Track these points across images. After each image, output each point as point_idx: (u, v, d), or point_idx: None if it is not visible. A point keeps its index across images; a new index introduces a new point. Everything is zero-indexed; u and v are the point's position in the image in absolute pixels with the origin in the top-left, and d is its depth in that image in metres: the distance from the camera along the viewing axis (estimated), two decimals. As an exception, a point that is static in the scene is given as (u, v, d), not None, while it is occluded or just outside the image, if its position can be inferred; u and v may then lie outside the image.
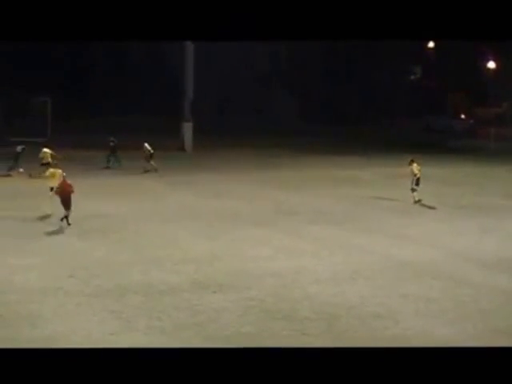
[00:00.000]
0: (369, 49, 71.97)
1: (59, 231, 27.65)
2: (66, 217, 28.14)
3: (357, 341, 16.74)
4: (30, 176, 38.97)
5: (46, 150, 40.70)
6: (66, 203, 28.09)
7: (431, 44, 74.49)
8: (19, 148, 42.16)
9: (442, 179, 41.38)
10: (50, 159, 39.28)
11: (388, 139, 62.81)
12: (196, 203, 33.81)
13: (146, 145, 44.23)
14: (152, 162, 43.44)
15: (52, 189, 30.26)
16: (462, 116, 74.82)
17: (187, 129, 55.89)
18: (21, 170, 40.70)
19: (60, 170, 31.00)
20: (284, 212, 32.25)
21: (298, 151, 54.31)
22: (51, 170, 32.09)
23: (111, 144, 45.34)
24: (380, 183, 40.87)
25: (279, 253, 24.93)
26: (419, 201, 34.25)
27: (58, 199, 28.53)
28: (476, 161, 50.53)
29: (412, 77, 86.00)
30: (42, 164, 39.01)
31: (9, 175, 40.76)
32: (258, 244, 26.13)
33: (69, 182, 28.89)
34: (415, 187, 34.42)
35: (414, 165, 34.75)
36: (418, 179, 34.54)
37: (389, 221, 30.64)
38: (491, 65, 74.09)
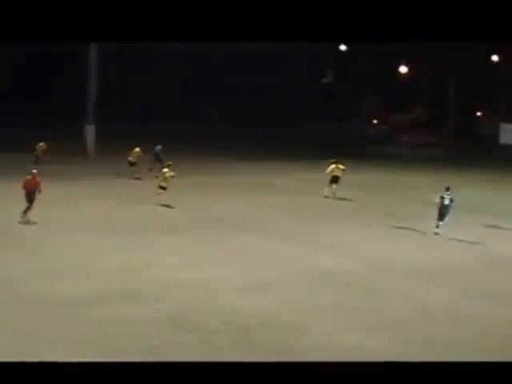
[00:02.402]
0: (281, 51, 71.69)
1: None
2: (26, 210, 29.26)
3: (270, 353, 16.25)
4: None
5: (137, 149, 43.78)
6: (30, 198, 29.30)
7: (343, 47, 74.68)
8: (157, 148, 44.77)
9: (359, 185, 41.32)
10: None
11: (302, 144, 62.68)
12: (108, 210, 32.74)
13: (41, 144, 44.00)
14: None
15: (162, 188, 34.13)
16: (375, 121, 75.31)
17: (90, 132, 54.39)
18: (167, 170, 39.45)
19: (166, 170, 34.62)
20: (201, 220, 31.67)
21: (215, 156, 53.62)
22: (165, 169, 34.91)
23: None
24: (296, 189, 40.60)
25: (193, 262, 24.39)
26: (326, 197, 36.85)
27: None
28: (391, 167, 50.76)
29: (324, 80, 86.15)
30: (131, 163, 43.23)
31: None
32: (170, 253, 25.48)
33: (38, 178, 29.68)
34: (331, 185, 36.87)
35: (331, 166, 37.06)
36: (333, 177, 36.71)
37: (307, 228, 30.36)
38: (403, 69, 74.69)
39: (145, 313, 18.95)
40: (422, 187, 41.67)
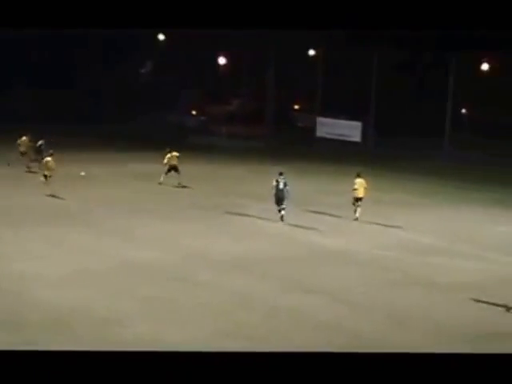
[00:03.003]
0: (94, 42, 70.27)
1: None
2: None
3: (86, 345, 16.16)
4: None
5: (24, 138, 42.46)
6: None
7: (162, 37, 74.43)
8: (40, 142, 42.37)
9: (178, 177, 41.05)
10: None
11: (122, 136, 61.40)
12: None
13: None
14: None
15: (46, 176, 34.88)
16: (194, 112, 75.44)
17: None
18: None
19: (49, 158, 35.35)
20: (18, 211, 30.92)
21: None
22: (48, 158, 35.53)
23: None
24: (112, 182, 40.04)
25: (9, 255, 24.03)
26: (161, 183, 38.35)
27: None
28: (211, 158, 50.54)
29: (143, 71, 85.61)
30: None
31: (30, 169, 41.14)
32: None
33: None
34: (169, 173, 38.37)
35: (167, 156, 38.47)
36: (172, 166, 38.19)
37: (125, 222, 30.05)
38: (222, 61, 75.25)
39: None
40: (242, 179, 42.22)
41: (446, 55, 57.41)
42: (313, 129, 64.38)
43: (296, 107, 77.11)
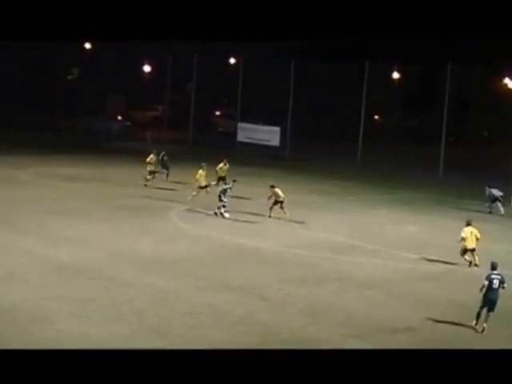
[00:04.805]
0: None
1: None
2: None
3: (13, 344, 16.38)
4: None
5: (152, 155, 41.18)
6: None
7: (88, 45, 74.33)
8: (162, 155, 42.78)
9: (102, 180, 41.45)
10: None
11: (49, 140, 61.22)
12: None
13: None
14: None
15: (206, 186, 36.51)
16: (119, 118, 75.53)
17: None
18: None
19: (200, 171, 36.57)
20: None
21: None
22: (200, 171, 36.61)
23: None
24: (36, 184, 40.21)
25: None
26: None
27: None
28: (134, 162, 50.66)
29: (69, 77, 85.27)
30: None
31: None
32: None
33: None
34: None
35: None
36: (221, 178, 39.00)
37: (48, 223, 30.28)
38: (147, 68, 75.56)
39: None
40: (165, 181, 42.38)
41: (363, 65, 58.77)
42: (234, 134, 65.12)
43: (217, 113, 78.06)
